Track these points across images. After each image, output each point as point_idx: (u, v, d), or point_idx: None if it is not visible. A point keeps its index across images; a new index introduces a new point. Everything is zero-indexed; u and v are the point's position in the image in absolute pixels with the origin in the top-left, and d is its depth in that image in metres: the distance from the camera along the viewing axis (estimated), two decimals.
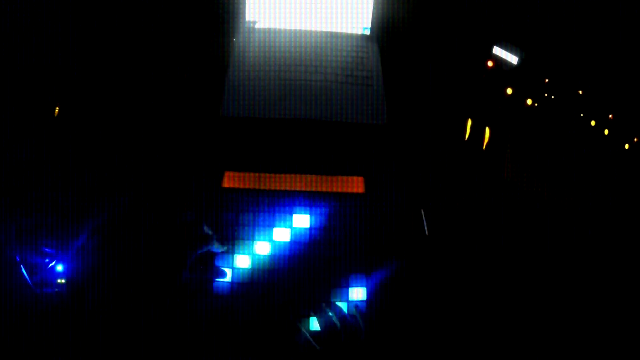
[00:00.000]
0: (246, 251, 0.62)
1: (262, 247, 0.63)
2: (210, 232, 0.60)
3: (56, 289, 0.62)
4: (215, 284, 0.61)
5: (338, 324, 0.57)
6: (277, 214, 0.64)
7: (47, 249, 0.63)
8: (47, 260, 0.63)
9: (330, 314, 0.58)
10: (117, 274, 0.55)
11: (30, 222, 0.64)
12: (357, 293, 0.61)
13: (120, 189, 0.68)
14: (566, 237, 0.75)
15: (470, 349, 0.61)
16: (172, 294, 0.54)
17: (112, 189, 0.68)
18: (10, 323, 0.56)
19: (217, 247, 0.61)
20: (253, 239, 0.62)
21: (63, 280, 0.62)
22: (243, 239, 0.62)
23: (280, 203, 0.64)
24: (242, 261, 0.62)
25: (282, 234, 0.63)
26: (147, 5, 0.84)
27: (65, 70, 0.80)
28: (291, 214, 0.64)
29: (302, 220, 0.64)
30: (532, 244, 0.72)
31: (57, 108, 0.77)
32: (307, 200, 0.64)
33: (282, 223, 0.64)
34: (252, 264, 0.62)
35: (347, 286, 0.61)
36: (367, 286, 0.61)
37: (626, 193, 0.87)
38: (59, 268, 0.63)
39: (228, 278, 0.61)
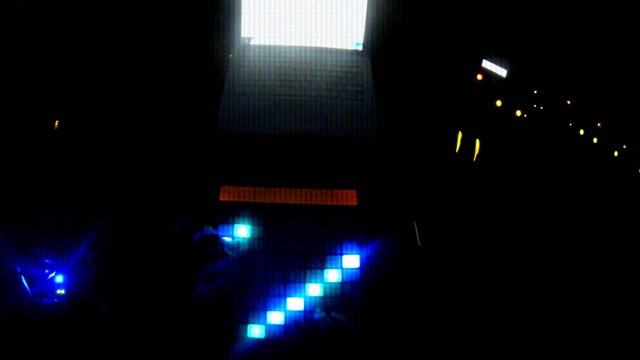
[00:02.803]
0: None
1: None
2: (213, 232, 0.60)
3: (56, 300, 0.62)
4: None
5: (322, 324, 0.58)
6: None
7: (47, 260, 0.64)
8: (47, 271, 0.64)
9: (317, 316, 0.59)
10: (119, 287, 0.56)
11: (30, 233, 0.65)
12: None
13: (118, 203, 0.68)
14: (557, 245, 0.76)
15: (462, 355, 0.62)
16: (185, 308, 0.55)
17: (109, 202, 0.69)
18: (11, 333, 0.57)
19: (231, 254, 0.61)
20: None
21: (63, 291, 0.63)
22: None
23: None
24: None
25: None
26: (144, 21, 0.85)
27: (65, 83, 0.81)
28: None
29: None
30: (523, 253, 0.73)
31: (57, 121, 0.78)
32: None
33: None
34: None
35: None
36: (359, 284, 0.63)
37: (616, 199, 0.88)
38: (59, 279, 0.64)
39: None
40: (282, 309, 0.61)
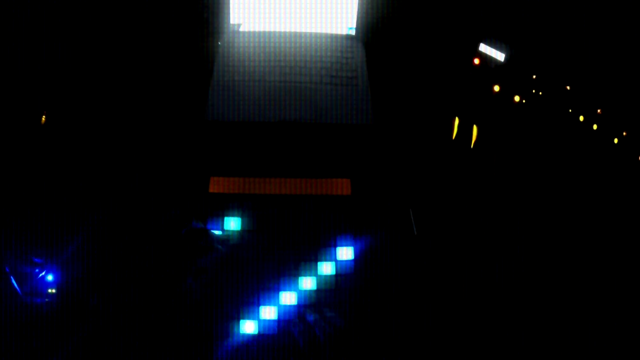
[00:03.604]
0: None
1: None
2: (201, 225, 0.59)
3: (46, 299, 0.61)
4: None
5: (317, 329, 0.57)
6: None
7: (36, 259, 0.63)
8: (37, 270, 0.63)
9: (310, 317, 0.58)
10: (109, 282, 0.55)
11: (19, 231, 0.64)
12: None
13: (106, 197, 0.67)
14: (556, 233, 0.75)
15: (459, 348, 0.61)
16: (174, 302, 0.54)
17: (98, 196, 0.68)
18: (1, 333, 0.56)
19: (221, 249, 0.60)
20: None
21: (53, 290, 0.62)
22: None
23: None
24: None
25: None
26: (132, 10, 0.84)
27: (51, 75, 0.79)
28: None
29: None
30: (521, 242, 0.72)
31: (44, 116, 0.77)
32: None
33: None
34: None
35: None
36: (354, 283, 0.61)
37: (616, 187, 0.87)
38: (49, 278, 0.63)
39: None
40: (275, 303, 0.59)
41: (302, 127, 0.72)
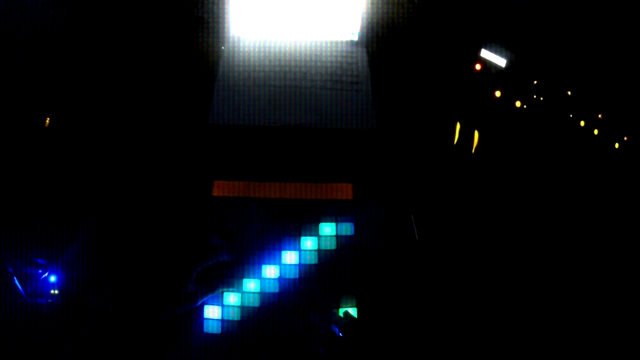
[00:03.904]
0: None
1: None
2: (219, 243, 0.60)
3: (49, 300, 0.62)
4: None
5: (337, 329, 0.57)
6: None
7: (39, 260, 0.63)
8: (39, 270, 0.63)
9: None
10: (110, 282, 0.55)
11: (22, 233, 0.64)
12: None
13: (109, 199, 0.67)
14: (558, 238, 0.75)
15: (461, 351, 0.61)
16: (177, 307, 0.54)
17: (101, 198, 0.68)
18: (4, 334, 0.56)
19: (226, 257, 0.61)
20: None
21: (56, 291, 0.62)
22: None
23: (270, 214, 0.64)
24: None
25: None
26: (135, 14, 0.84)
27: (56, 78, 0.79)
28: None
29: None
30: (523, 246, 0.72)
31: (48, 118, 0.77)
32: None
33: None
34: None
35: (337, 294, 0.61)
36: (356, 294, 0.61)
37: (617, 192, 0.87)
38: (52, 278, 0.63)
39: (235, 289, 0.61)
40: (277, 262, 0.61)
41: (305, 132, 0.72)
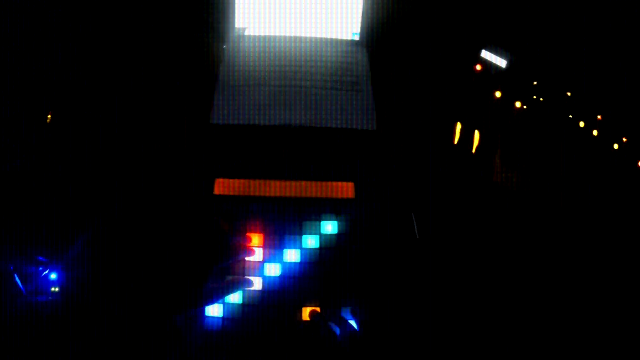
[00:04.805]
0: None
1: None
2: (238, 240, 0.60)
3: (50, 297, 0.62)
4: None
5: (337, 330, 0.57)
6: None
7: (40, 258, 0.63)
8: (40, 268, 0.63)
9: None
10: (110, 282, 0.55)
11: (23, 230, 0.64)
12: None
13: (112, 198, 0.68)
14: (557, 238, 0.75)
15: (462, 351, 0.61)
16: (194, 308, 0.54)
17: (102, 196, 0.68)
18: (5, 331, 0.56)
19: (246, 254, 0.61)
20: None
21: (57, 289, 0.63)
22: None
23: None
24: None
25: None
26: (138, 13, 0.84)
27: (57, 76, 0.79)
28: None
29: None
30: (523, 246, 0.72)
31: (50, 115, 0.77)
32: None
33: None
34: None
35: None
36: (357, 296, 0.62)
37: (616, 193, 0.87)
38: (53, 276, 0.63)
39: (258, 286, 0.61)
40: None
41: (306, 131, 0.72)
